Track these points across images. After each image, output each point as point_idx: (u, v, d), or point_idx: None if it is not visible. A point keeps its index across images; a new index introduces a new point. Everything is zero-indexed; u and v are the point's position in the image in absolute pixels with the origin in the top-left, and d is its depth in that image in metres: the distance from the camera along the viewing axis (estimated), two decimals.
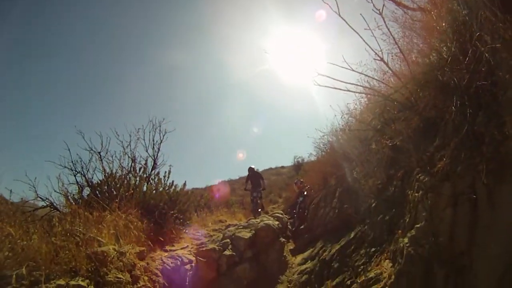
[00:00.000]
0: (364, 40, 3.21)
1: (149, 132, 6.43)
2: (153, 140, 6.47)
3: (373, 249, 3.22)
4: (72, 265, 2.99)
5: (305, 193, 9.11)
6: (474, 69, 2.26)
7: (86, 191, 5.56)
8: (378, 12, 3.22)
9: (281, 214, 7.98)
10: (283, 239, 6.72)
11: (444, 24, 2.67)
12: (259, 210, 9.88)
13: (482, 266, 1.91)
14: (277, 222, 6.70)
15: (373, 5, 3.24)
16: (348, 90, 3.59)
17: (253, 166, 10.64)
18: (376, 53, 3.22)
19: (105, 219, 4.07)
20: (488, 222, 1.98)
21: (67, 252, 3.07)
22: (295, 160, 25.45)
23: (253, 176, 10.29)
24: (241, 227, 6.37)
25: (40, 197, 4.91)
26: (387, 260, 2.66)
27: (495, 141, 2.06)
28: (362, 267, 3.09)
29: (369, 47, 3.23)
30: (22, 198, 4.63)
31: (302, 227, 8.09)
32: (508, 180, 1.95)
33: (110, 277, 3.13)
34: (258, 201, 10.06)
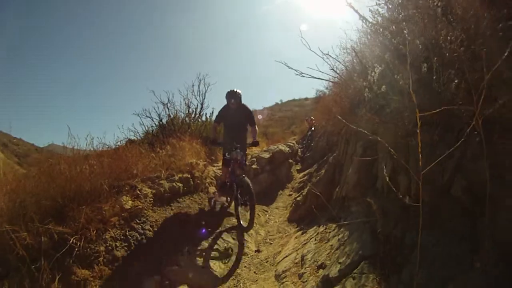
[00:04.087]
0: None
1: (198, 85, 9.34)
2: (199, 90, 9.37)
3: (326, 164, 6.16)
4: (179, 169, 6.13)
5: (313, 128, 11.91)
6: None
7: (153, 129, 8.72)
8: None
9: (293, 143, 11.02)
10: (292, 161, 9.84)
11: None
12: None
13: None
14: (288, 149, 9.79)
15: None
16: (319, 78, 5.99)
17: (238, 91, 5.15)
18: None
19: (184, 146, 7.20)
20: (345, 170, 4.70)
21: (175, 163, 6.21)
22: (317, 93, 26.97)
23: (238, 110, 5.22)
24: (263, 151, 9.49)
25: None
26: (326, 165, 5.59)
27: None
28: (319, 171, 6.07)
29: None
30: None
31: (308, 154, 11.10)
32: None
33: (196, 174, 6.32)
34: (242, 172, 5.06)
